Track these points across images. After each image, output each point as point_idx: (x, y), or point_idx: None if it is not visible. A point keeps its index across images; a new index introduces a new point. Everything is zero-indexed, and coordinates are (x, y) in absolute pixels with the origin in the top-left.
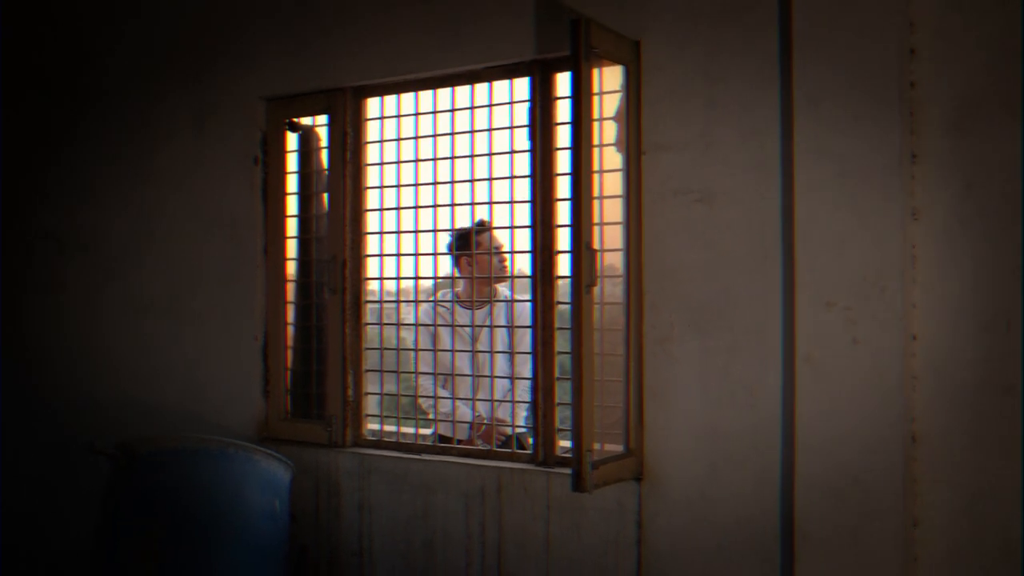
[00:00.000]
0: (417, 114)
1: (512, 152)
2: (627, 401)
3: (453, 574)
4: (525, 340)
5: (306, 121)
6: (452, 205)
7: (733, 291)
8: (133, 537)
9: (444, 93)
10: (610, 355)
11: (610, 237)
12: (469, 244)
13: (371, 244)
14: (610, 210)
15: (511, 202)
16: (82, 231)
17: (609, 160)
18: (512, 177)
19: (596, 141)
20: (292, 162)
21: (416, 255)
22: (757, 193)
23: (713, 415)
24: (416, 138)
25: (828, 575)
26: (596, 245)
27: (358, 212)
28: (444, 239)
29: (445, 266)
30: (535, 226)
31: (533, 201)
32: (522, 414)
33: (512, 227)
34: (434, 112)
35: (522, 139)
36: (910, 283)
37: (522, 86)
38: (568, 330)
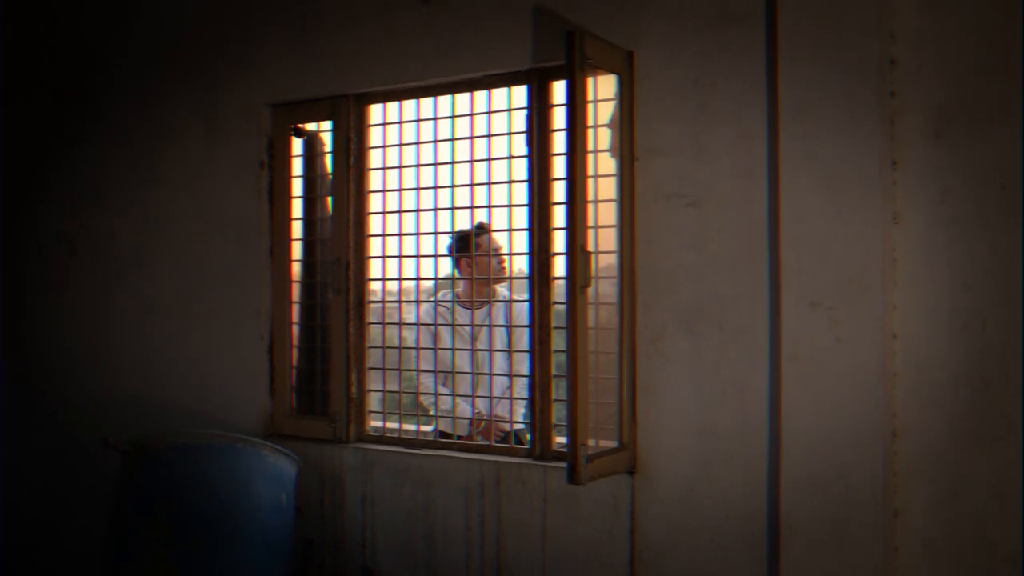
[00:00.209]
0: (418, 120)
1: (510, 157)
2: (620, 398)
3: (453, 564)
4: (523, 339)
5: (311, 127)
6: (452, 208)
7: (722, 292)
8: (145, 528)
9: (444, 100)
10: (604, 353)
11: (604, 240)
12: (469, 246)
13: (374, 246)
14: (604, 214)
15: (509, 205)
16: (89, 232)
17: (603, 165)
18: (510, 181)
19: (591, 147)
20: (297, 166)
21: (417, 257)
22: (745, 197)
23: (703, 411)
24: (417, 144)
25: (813, 565)
26: (591, 247)
27: (361, 215)
28: (444, 241)
29: (445, 267)
30: (532, 229)
31: (530, 205)
32: (520, 410)
33: (510, 230)
34: (435, 118)
35: (520, 145)
36: (891, 284)
37: (520, 94)
38: (564, 329)
